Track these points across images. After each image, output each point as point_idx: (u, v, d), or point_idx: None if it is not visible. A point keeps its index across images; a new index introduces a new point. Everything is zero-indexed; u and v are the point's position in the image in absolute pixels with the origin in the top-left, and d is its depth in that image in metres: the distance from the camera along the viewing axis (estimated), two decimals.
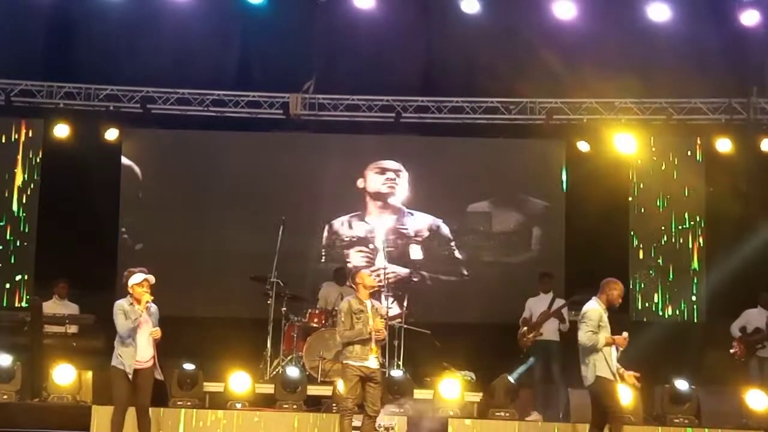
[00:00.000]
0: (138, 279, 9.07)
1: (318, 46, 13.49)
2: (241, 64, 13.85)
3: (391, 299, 12.43)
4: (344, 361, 9.23)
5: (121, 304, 9.06)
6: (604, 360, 8.69)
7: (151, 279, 9.13)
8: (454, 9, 13.05)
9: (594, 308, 8.78)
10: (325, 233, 14.46)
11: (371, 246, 14.40)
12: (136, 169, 14.51)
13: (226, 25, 13.52)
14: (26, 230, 14.24)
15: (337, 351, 11.85)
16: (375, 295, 10.04)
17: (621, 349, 8.83)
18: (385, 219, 14.50)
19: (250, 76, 13.96)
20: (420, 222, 14.48)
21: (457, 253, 14.40)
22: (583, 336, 8.67)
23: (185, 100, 14.18)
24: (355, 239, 14.46)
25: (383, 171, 14.54)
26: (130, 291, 9.07)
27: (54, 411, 10.55)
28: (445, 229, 14.47)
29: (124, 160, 14.47)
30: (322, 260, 14.34)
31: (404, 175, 14.55)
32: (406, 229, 14.47)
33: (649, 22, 12.86)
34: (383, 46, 13.36)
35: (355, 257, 14.41)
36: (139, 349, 9.02)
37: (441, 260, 14.43)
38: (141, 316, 9.01)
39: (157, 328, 9.19)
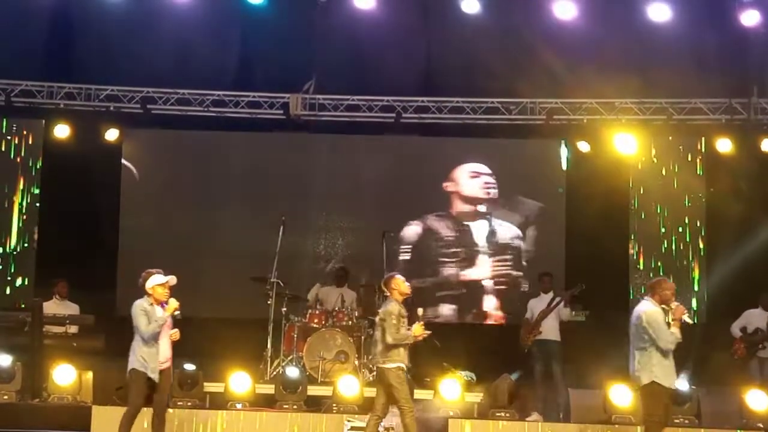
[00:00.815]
0: (161, 280, 8.99)
1: (318, 46, 13.49)
2: (242, 65, 13.86)
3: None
4: (388, 366, 9.11)
5: (141, 305, 8.94)
6: (664, 364, 8.72)
7: (173, 280, 9.05)
8: (454, 9, 13.06)
9: (654, 309, 8.76)
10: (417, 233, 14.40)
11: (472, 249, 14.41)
12: (134, 170, 14.52)
13: (227, 26, 13.52)
14: (26, 230, 14.24)
15: (338, 351, 11.91)
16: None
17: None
18: (480, 224, 14.48)
19: (251, 76, 13.97)
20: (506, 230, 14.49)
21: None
22: (670, 337, 8.66)
23: (185, 101, 14.19)
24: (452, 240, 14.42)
25: (478, 174, 14.49)
26: (150, 292, 8.96)
27: (54, 411, 10.55)
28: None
29: (128, 160, 14.46)
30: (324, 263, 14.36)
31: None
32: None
33: (649, 22, 12.86)
34: (383, 46, 13.36)
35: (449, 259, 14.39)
36: (161, 350, 8.98)
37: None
38: (167, 321, 8.95)
39: (176, 329, 9.13)
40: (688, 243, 14.20)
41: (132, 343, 8.96)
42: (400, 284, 9.26)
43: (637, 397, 9.58)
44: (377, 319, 9.26)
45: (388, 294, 9.26)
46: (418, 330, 9.14)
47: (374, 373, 12.04)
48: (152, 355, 8.91)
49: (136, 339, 8.93)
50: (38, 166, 14.34)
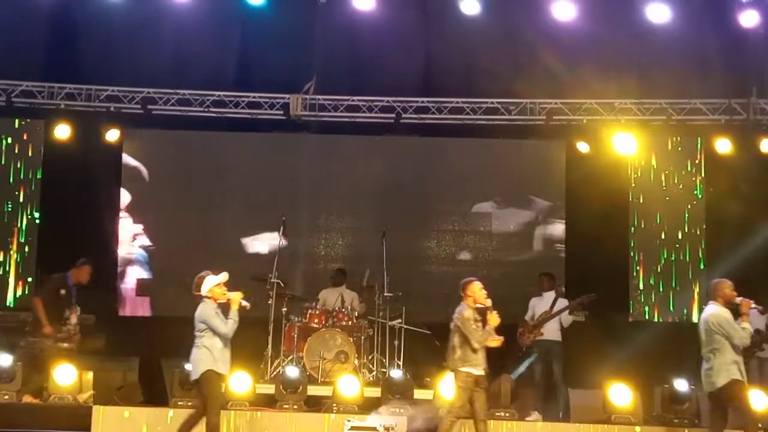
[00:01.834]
0: (216, 280, 9.03)
1: (318, 47, 13.49)
2: (242, 65, 13.86)
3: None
4: (460, 369, 9.15)
5: (212, 308, 8.95)
6: (739, 361, 8.89)
7: (226, 276, 9.10)
8: (454, 10, 13.06)
9: (721, 310, 8.95)
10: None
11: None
12: (143, 169, 14.51)
13: (227, 26, 13.53)
14: (27, 231, 14.25)
15: (338, 351, 11.91)
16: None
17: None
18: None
19: (251, 76, 13.97)
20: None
21: None
22: (742, 333, 8.84)
23: (186, 101, 14.19)
24: None
25: None
26: (209, 294, 8.98)
27: (54, 411, 10.55)
28: None
29: (129, 160, 14.46)
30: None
31: None
32: None
33: (648, 22, 12.86)
34: (383, 47, 13.37)
35: None
36: None
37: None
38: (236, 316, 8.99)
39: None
40: (687, 243, 14.20)
41: (198, 347, 8.93)
42: (477, 291, 9.28)
43: (707, 400, 9.58)
44: (452, 325, 9.28)
45: (463, 298, 9.30)
46: (495, 320, 9.14)
47: (373, 374, 12.17)
48: (227, 355, 8.98)
49: (205, 342, 8.91)
50: (39, 167, 14.35)
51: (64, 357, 10.97)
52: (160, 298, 14.07)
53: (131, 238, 14.43)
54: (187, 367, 10.85)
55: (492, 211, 14.59)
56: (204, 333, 8.94)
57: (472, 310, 9.20)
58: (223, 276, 9.08)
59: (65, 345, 11.12)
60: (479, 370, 9.18)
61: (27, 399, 10.75)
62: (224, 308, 9.09)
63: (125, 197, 14.40)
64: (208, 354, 8.90)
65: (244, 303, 9.02)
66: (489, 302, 9.31)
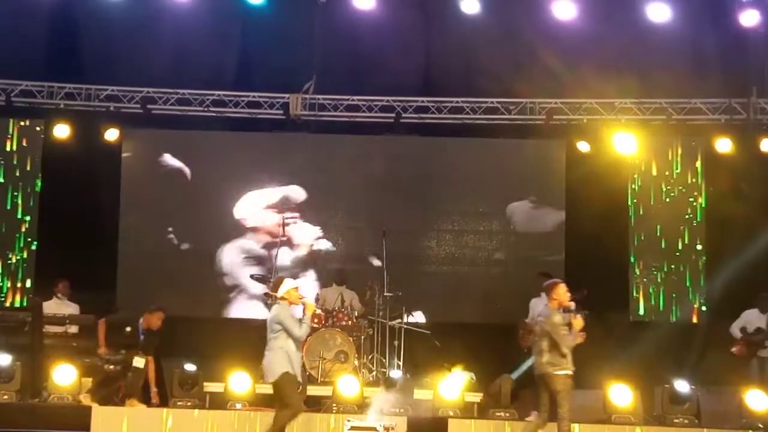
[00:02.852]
0: (294, 284, 9.02)
1: (318, 46, 13.49)
2: (241, 65, 13.86)
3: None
4: (556, 373, 9.12)
5: (288, 310, 8.94)
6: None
7: (304, 281, 9.09)
8: (454, 9, 13.06)
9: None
10: None
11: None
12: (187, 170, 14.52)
13: (226, 26, 13.53)
14: (27, 230, 14.23)
15: (338, 351, 11.90)
16: None
17: None
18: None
19: (251, 76, 13.97)
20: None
21: None
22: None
23: (185, 101, 14.19)
24: None
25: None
26: (285, 296, 8.95)
27: (54, 411, 10.55)
28: None
29: (170, 160, 14.45)
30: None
31: None
32: None
33: (648, 22, 12.86)
34: (383, 46, 13.37)
35: None
36: None
37: None
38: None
39: None
40: (687, 243, 14.20)
41: (272, 349, 8.88)
42: (562, 294, 9.26)
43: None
44: (537, 328, 9.29)
45: (548, 301, 9.27)
46: (579, 323, 9.14)
47: (373, 374, 12.16)
48: (299, 359, 8.96)
49: (280, 344, 8.85)
50: (38, 167, 14.33)
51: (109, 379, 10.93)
52: (161, 298, 14.05)
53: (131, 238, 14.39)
54: (187, 367, 10.95)
55: (492, 211, 14.56)
56: (278, 335, 8.88)
57: (560, 315, 9.15)
58: (301, 280, 9.05)
59: (111, 367, 10.97)
60: (570, 371, 9.15)
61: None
62: None
63: (125, 196, 14.31)
64: (284, 356, 8.85)
65: (319, 311, 9.01)
66: (573, 305, 9.29)
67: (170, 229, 14.29)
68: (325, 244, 14.25)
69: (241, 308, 13.43)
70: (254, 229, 14.21)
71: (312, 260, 14.09)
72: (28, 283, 14.05)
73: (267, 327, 8.98)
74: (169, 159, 14.44)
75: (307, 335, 9.08)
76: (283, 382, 8.85)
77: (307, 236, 14.27)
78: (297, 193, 14.32)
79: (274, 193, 14.30)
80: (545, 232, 14.42)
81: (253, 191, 14.31)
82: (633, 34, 12.89)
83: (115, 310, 12.14)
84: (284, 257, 13.59)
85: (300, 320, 8.93)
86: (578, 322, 9.15)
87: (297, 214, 14.21)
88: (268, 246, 14.01)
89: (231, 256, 14.07)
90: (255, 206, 14.31)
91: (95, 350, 11.21)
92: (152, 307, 11.40)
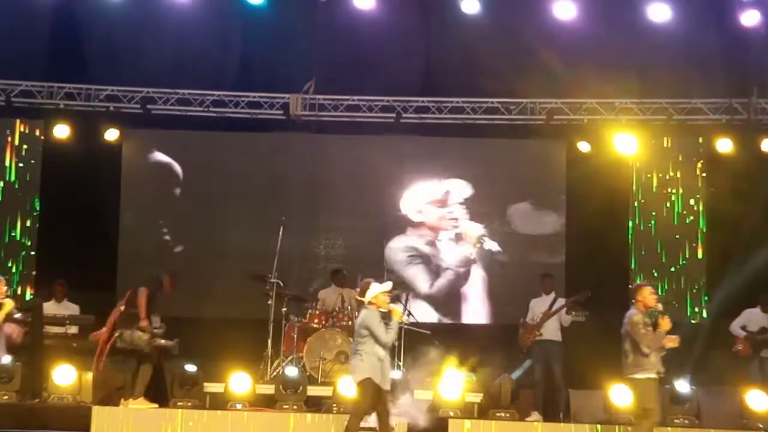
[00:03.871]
0: (383, 288, 8.95)
1: (318, 46, 13.50)
2: (242, 65, 13.85)
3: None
4: (636, 376, 9.10)
5: (375, 315, 8.85)
6: None
7: (390, 285, 9.02)
8: (455, 9, 13.07)
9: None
10: None
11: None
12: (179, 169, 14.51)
13: (227, 26, 13.52)
14: (27, 231, 14.24)
15: (338, 351, 11.89)
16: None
17: None
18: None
19: (251, 76, 13.97)
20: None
21: None
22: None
23: (185, 101, 14.19)
24: None
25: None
26: (373, 301, 8.89)
27: (54, 411, 10.54)
28: None
29: (161, 157, 14.44)
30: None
31: None
32: None
33: (649, 22, 12.86)
34: (383, 46, 13.37)
35: None
36: None
37: None
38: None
39: None
40: (687, 243, 14.19)
41: (358, 354, 8.86)
42: (647, 296, 9.25)
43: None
44: (622, 330, 9.25)
45: (633, 302, 9.27)
46: (666, 324, 9.09)
47: None
48: (387, 366, 8.89)
49: (366, 349, 8.83)
50: (38, 167, 14.34)
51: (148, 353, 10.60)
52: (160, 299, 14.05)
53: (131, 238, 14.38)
54: (187, 367, 10.94)
55: (492, 211, 14.56)
56: (365, 340, 8.83)
57: (642, 315, 9.12)
58: (388, 285, 9.00)
59: (162, 342, 10.54)
60: (654, 374, 9.12)
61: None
62: None
63: (124, 197, 14.33)
64: (369, 361, 8.81)
65: (405, 318, 8.99)
66: (660, 306, 9.27)
67: (165, 230, 14.30)
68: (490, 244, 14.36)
69: (242, 308, 13.41)
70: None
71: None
72: (28, 284, 14.06)
73: (354, 331, 8.96)
74: (160, 156, 14.43)
75: (393, 341, 8.96)
76: (361, 387, 8.85)
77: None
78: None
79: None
80: (545, 233, 14.42)
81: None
82: (633, 34, 12.89)
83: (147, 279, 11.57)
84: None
85: (387, 325, 8.85)
86: (665, 323, 9.09)
87: None
88: None
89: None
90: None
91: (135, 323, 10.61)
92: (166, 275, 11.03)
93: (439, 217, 14.47)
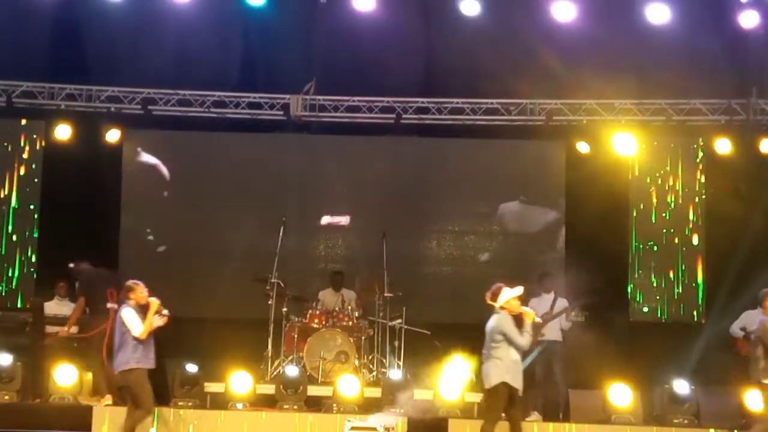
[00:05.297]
0: (515, 292, 8.96)
1: (318, 47, 13.50)
2: (242, 66, 13.86)
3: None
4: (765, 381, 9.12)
5: (508, 319, 8.86)
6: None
7: (522, 290, 9.02)
8: (454, 11, 13.07)
9: None
10: None
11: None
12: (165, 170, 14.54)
13: (227, 27, 13.52)
14: (27, 231, 14.26)
15: (338, 351, 11.92)
16: None
17: None
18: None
19: (251, 77, 13.98)
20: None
21: None
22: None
23: (186, 102, 14.21)
24: None
25: None
26: (505, 306, 8.90)
27: (55, 411, 10.56)
28: None
29: (147, 158, 14.47)
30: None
31: None
32: None
33: (648, 23, 12.87)
34: (383, 47, 13.37)
35: None
36: None
37: None
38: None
39: None
40: (687, 243, 14.21)
41: (492, 358, 8.86)
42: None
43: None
44: (752, 336, 9.36)
45: (762, 308, 9.37)
46: None
47: (374, 373, 12.17)
48: (519, 369, 8.89)
49: (499, 354, 8.84)
50: (39, 167, 14.36)
51: None
52: (162, 299, 14.05)
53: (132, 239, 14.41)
54: (188, 367, 10.95)
55: (492, 212, 14.59)
56: (499, 344, 8.83)
57: None
58: (520, 289, 9.00)
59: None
60: None
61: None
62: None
63: (126, 197, 14.36)
64: (503, 366, 8.81)
65: (537, 319, 8.98)
66: None
67: (171, 229, 14.32)
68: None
69: (242, 308, 13.43)
70: None
71: None
72: (29, 284, 14.07)
73: (486, 336, 8.92)
74: (146, 158, 14.45)
75: (529, 344, 8.96)
76: (495, 390, 8.82)
77: None
78: None
79: None
80: (545, 233, 14.45)
81: None
82: (633, 35, 12.89)
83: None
84: None
85: (521, 329, 8.84)
86: None
87: None
88: None
89: None
90: None
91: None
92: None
93: None
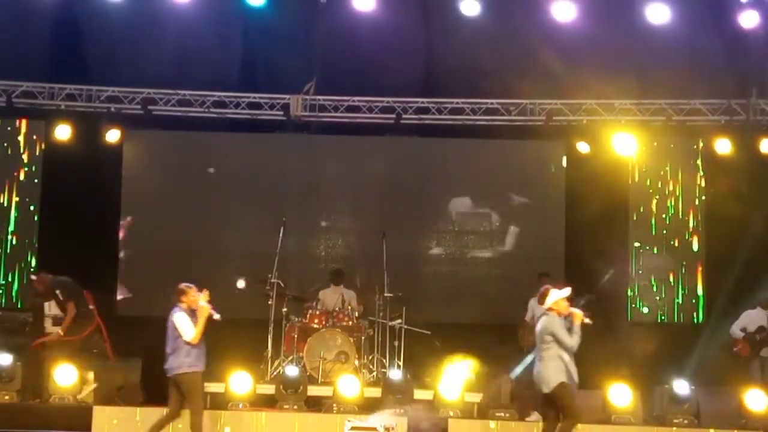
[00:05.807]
0: (563, 294, 8.95)
1: (318, 47, 13.50)
2: (242, 66, 13.86)
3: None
4: None
5: (557, 320, 8.88)
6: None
7: (569, 291, 9.01)
8: (454, 11, 13.07)
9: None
10: None
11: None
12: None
13: (227, 27, 13.53)
14: (27, 231, 14.26)
15: (338, 351, 11.91)
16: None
17: None
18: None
19: (251, 77, 13.99)
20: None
21: None
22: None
23: (186, 102, 14.21)
24: None
25: None
26: (553, 307, 8.91)
27: (55, 411, 10.56)
28: None
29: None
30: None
31: None
32: None
33: (648, 23, 12.87)
34: (383, 47, 13.37)
35: None
36: None
37: None
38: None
39: None
40: (687, 244, 14.22)
41: (545, 360, 8.88)
42: None
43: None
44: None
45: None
46: None
47: (374, 373, 12.17)
48: (573, 368, 8.89)
49: (552, 355, 8.85)
50: (39, 167, 14.37)
51: None
52: (161, 299, 14.05)
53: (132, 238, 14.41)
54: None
55: (491, 212, 14.59)
56: (550, 345, 8.86)
57: None
58: (567, 291, 9.00)
59: None
60: None
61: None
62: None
63: (126, 198, 14.37)
64: (558, 365, 8.84)
65: (587, 320, 8.97)
66: None
67: (171, 229, 14.32)
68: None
69: (242, 308, 13.42)
70: None
71: None
72: (29, 284, 14.06)
73: (537, 338, 8.95)
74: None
75: (578, 344, 8.93)
76: (561, 392, 8.84)
77: None
78: None
79: None
80: (545, 233, 14.44)
81: None
82: (633, 35, 12.89)
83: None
84: None
85: (570, 330, 8.86)
86: None
87: None
88: None
89: None
90: None
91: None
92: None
93: None
